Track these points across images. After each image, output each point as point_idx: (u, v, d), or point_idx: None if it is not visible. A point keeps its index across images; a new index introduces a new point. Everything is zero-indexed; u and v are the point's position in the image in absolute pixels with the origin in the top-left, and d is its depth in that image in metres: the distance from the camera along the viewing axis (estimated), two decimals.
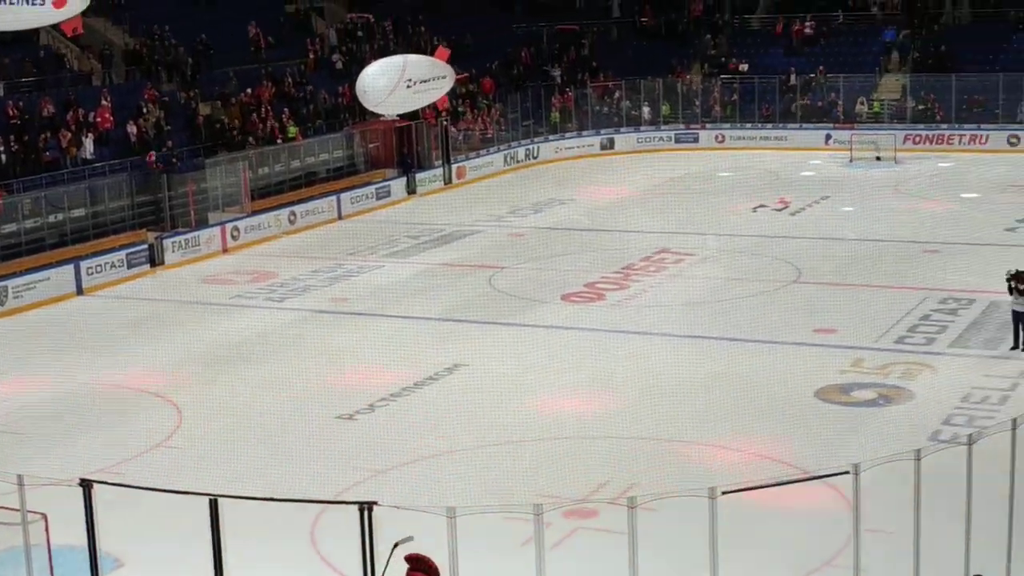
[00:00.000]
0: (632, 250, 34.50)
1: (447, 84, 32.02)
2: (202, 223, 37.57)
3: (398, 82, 29.33)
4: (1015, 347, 24.14)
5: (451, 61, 33.13)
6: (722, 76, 55.07)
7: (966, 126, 50.28)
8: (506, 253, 35.46)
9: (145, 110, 40.56)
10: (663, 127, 54.04)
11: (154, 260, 34.85)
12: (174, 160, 38.73)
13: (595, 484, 18.27)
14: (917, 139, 50.36)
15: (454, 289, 31.54)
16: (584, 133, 53.40)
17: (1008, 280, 24.24)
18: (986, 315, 26.55)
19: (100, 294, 32.55)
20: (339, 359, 25.80)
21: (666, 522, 13.85)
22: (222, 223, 37.51)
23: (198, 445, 20.99)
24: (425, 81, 30.46)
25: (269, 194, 40.82)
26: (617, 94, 54.87)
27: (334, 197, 41.72)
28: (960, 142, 49.97)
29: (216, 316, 29.95)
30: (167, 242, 35.40)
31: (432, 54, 34.53)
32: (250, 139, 42.02)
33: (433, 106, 41.41)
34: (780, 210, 39.83)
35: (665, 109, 54.27)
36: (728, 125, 53.71)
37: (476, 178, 47.98)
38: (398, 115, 36.85)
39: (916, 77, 52.49)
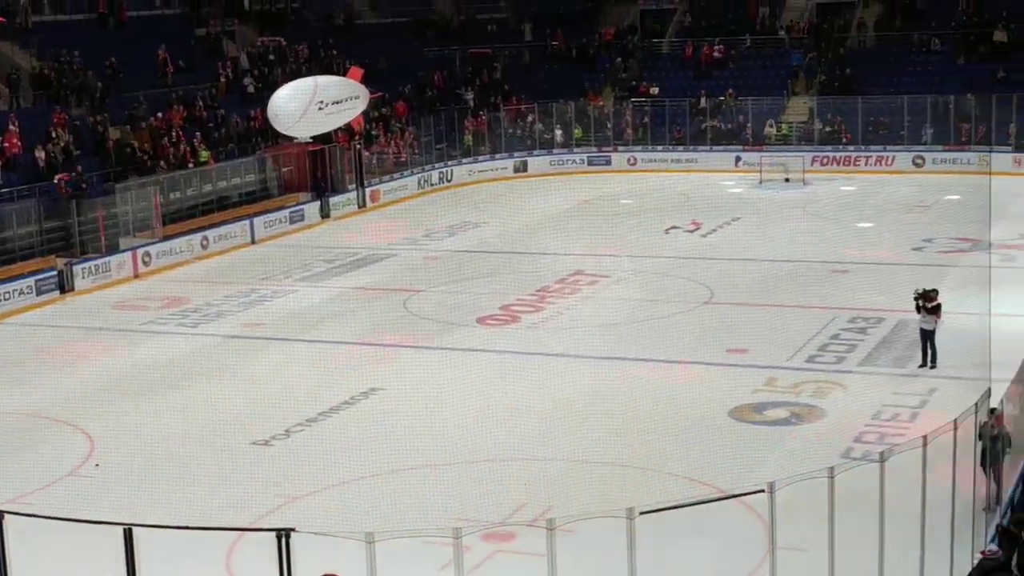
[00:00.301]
0: (547, 272, 34.66)
1: (361, 104, 31.82)
2: (113, 248, 37.14)
3: (309, 104, 29.06)
4: (923, 365, 24.58)
5: (364, 82, 33.01)
6: (633, 99, 55.56)
7: (872, 148, 51.16)
8: (421, 276, 35.44)
9: (54, 135, 40.05)
10: (576, 150, 54.39)
11: (64, 286, 34.38)
12: (83, 185, 38.24)
13: (514, 506, 18.29)
14: (825, 161, 51.12)
15: (369, 313, 31.47)
16: (497, 156, 53.57)
17: (916, 299, 24.68)
18: (895, 334, 27.00)
19: (9, 322, 32.04)
20: (254, 384, 25.61)
21: (585, 543, 13.90)
22: (133, 248, 37.11)
23: (111, 473, 20.71)
24: (337, 102, 30.21)
25: (181, 219, 40.47)
26: (530, 117, 55.15)
27: (247, 221, 41.46)
28: (867, 163, 50.81)
29: (128, 343, 29.60)
30: (77, 268, 34.95)
31: (345, 76, 34.26)
32: (161, 163, 41.63)
33: (348, 128, 41.26)
34: (692, 231, 40.23)
35: (577, 132, 54.64)
36: (640, 148, 54.17)
37: (390, 201, 47.94)
38: (311, 138, 36.58)
39: (823, 100, 53.34)
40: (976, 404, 15.46)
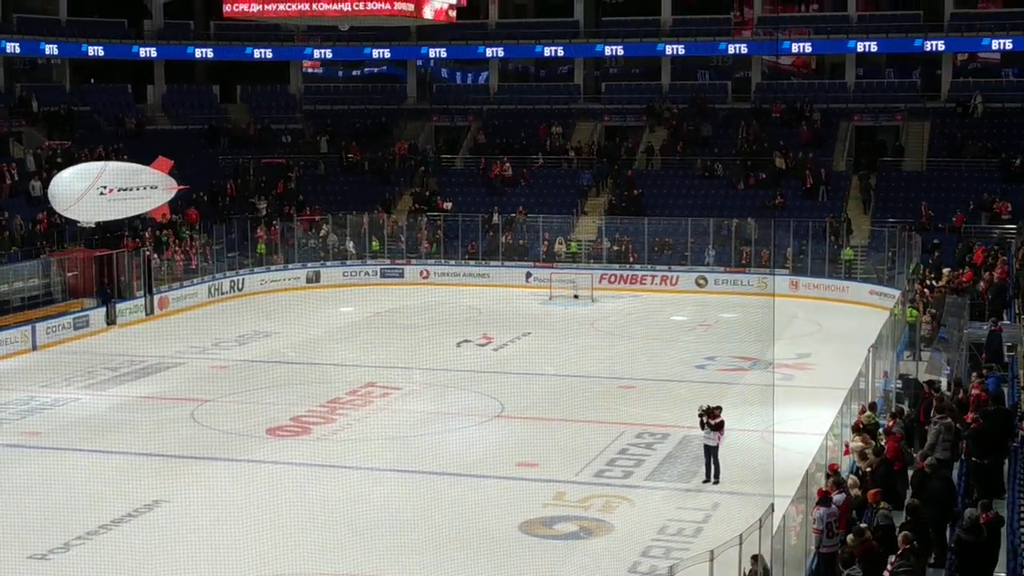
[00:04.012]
0: (338, 383, 34.49)
1: (162, 195, 30.99)
2: None
3: (90, 187, 28.26)
4: (707, 480, 25.22)
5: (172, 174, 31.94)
6: (428, 213, 56.14)
7: (658, 267, 52.62)
8: (210, 386, 34.84)
9: None
10: (369, 261, 54.52)
11: None
12: None
13: None
14: (613, 279, 52.35)
15: (155, 423, 30.74)
16: (290, 266, 53.31)
17: (700, 415, 25.37)
18: (680, 449, 27.64)
19: None
20: (31, 495, 24.70)
21: None
22: None
23: None
24: (126, 189, 29.36)
25: None
26: (324, 228, 55.14)
27: (28, 327, 40.19)
28: (652, 282, 52.20)
29: None
30: None
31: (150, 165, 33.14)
32: None
33: (146, 218, 39.75)
34: (483, 345, 40.62)
35: (375, 245, 54.82)
36: (433, 261, 54.62)
37: (179, 309, 47.12)
38: (95, 225, 34.94)
39: (611, 219, 54.75)
40: (760, 520, 15.96)
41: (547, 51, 63.73)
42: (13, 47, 57.26)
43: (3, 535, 22.21)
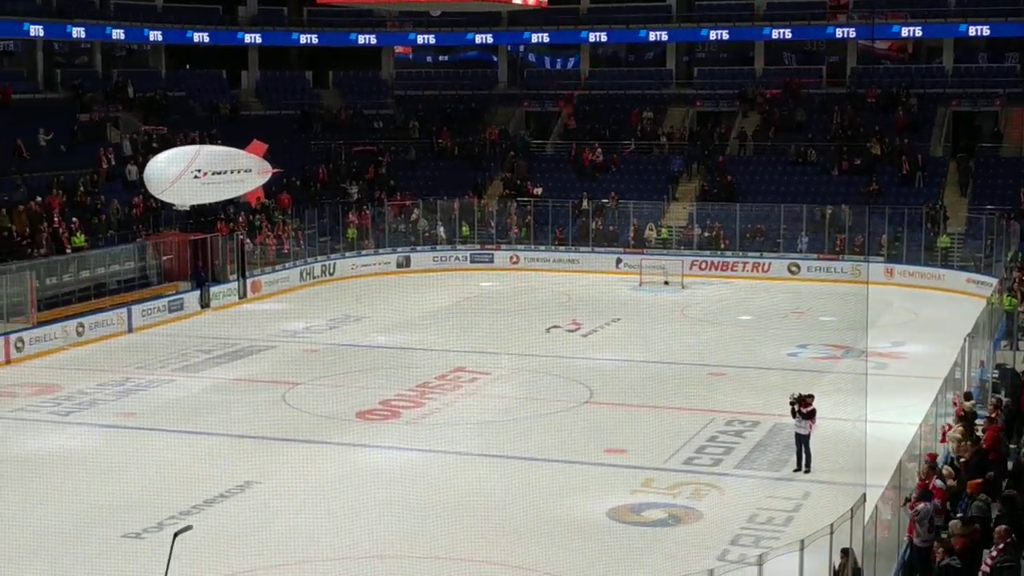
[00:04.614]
0: (428, 368, 34.59)
1: (256, 179, 31.02)
2: None
3: (184, 171, 28.40)
4: (798, 469, 24.94)
5: (267, 158, 31.99)
6: (518, 199, 56.12)
7: (749, 254, 52.16)
8: (301, 369, 35.17)
9: None
10: (459, 246, 54.65)
11: None
12: None
13: None
14: (703, 265, 51.98)
15: (247, 405, 31.08)
16: (380, 251, 53.60)
17: (791, 403, 25.10)
18: (770, 437, 27.38)
19: None
20: (126, 475, 25.08)
21: None
22: (6, 334, 36.28)
23: None
24: (219, 173, 29.40)
25: (56, 305, 39.69)
26: (414, 213, 55.36)
27: (125, 309, 40.83)
28: (744, 269, 51.77)
29: None
30: None
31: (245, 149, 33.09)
32: (39, 248, 40.93)
33: (240, 202, 39.99)
34: (573, 331, 40.53)
35: (465, 229, 54.93)
36: (523, 246, 54.60)
37: (271, 293, 47.62)
38: (190, 208, 35.07)
39: (702, 206, 54.36)
40: (851, 509, 15.72)
41: (651, 35, 63.25)
42: (118, 34, 58.19)
43: (98, 514, 22.61)
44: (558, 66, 70.41)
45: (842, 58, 62.89)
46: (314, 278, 50.35)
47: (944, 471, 19.29)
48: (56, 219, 42.60)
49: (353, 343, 38.83)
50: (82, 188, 45.87)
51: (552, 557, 20.31)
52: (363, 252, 53.27)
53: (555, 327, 40.99)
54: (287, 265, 49.75)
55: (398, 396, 31.55)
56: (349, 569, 19.88)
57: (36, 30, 54.03)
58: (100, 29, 57.32)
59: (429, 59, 72.77)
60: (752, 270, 51.69)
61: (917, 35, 60.85)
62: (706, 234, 53.27)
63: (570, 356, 36.62)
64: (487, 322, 41.94)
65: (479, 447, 27.19)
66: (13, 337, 36.25)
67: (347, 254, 52.62)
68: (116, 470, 25.49)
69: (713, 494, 23.75)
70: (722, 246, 52.74)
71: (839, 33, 60.91)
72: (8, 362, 35.63)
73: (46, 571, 19.83)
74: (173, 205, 34.74)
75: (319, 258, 51.23)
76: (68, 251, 41.95)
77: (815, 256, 51.12)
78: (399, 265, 53.44)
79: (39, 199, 43.36)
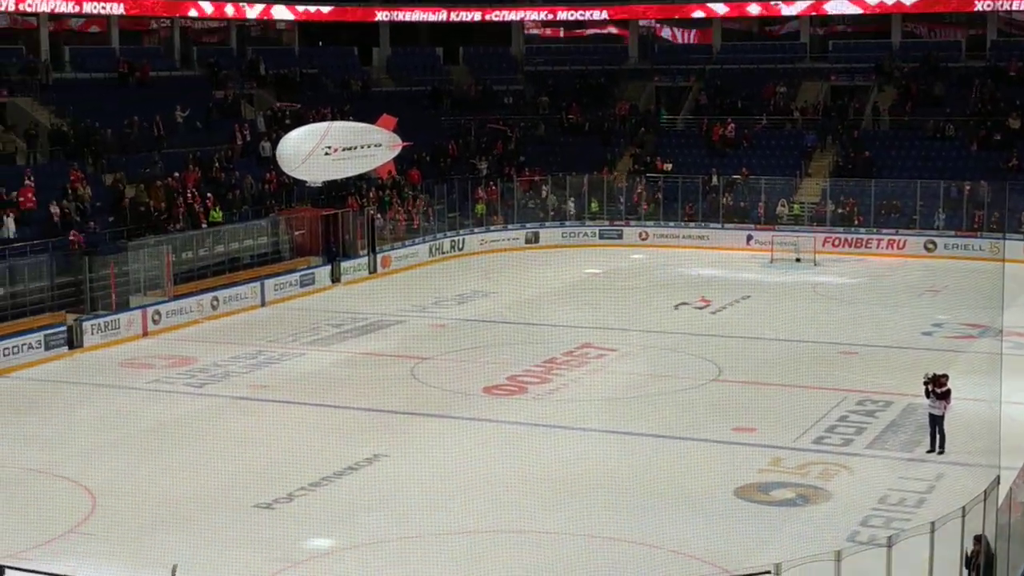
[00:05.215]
0: (555, 344, 34.59)
1: (387, 152, 31.11)
2: (123, 306, 37.14)
3: (315, 148, 28.60)
4: (931, 450, 24.43)
5: (397, 131, 32.10)
6: (647, 174, 55.76)
7: (884, 231, 51.17)
8: (429, 344, 35.41)
9: (69, 191, 40.26)
10: (588, 223, 54.51)
11: (72, 342, 34.36)
12: (95, 243, 38.31)
13: None
14: (836, 242, 51.17)
15: (376, 379, 31.37)
16: (509, 226, 53.71)
17: (925, 383, 24.60)
18: (903, 417, 26.87)
19: (16, 376, 32.01)
20: (258, 447, 25.52)
21: None
22: (143, 307, 37.15)
23: (112, 531, 20.62)
24: (350, 148, 29.54)
25: (192, 279, 40.50)
26: (543, 188, 55.34)
27: (258, 283, 41.51)
28: (878, 246, 50.84)
29: (134, 400, 29.55)
30: (87, 324, 34.95)
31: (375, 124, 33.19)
32: (175, 223, 41.78)
33: (371, 177, 40.14)
34: (701, 308, 40.20)
35: (594, 205, 54.78)
36: (651, 223, 54.26)
37: (401, 268, 48.01)
38: (322, 184, 35.36)
39: (836, 181, 53.48)
40: (985, 492, 15.35)
41: (783, 9, 62.24)
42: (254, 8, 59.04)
43: (231, 484, 23.03)
44: (691, 40, 69.73)
45: (982, 31, 61.28)
46: (443, 253, 50.66)
47: None
48: (191, 194, 43.40)
49: (481, 318, 38.98)
50: (217, 164, 46.67)
51: (677, 535, 20.20)
52: (492, 228, 53.43)
53: (684, 304, 40.68)
54: (416, 240, 50.11)
55: (525, 372, 31.60)
56: (474, 543, 19.97)
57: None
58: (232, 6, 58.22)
59: (562, 34, 72.58)
60: (887, 247, 50.75)
61: None
62: (840, 210, 52.40)
63: (698, 333, 36.33)
64: (615, 299, 41.82)
65: (605, 423, 27.13)
66: (150, 310, 37.08)
67: (476, 229, 52.83)
68: (248, 441, 25.95)
69: (843, 474, 23.38)
70: (856, 222, 51.84)
71: (978, 5, 59.32)
72: (145, 334, 36.45)
73: (181, 538, 20.24)
74: (306, 183, 35.12)
75: (448, 233, 51.52)
76: (203, 226, 42.72)
77: (952, 233, 50.01)
78: (528, 241, 53.50)
79: (176, 175, 44.22)
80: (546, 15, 66.29)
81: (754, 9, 62.99)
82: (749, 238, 52.18)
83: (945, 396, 24.36)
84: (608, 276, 46.78)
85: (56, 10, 50.82)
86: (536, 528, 20.62)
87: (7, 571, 12.85)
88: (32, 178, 39.84)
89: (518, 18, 66.55)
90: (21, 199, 38.76)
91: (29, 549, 19.39)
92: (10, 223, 37.55)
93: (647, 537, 20.14)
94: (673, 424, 26.81)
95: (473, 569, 18.71)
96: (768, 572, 12.89)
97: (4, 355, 32.22)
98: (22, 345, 32.92)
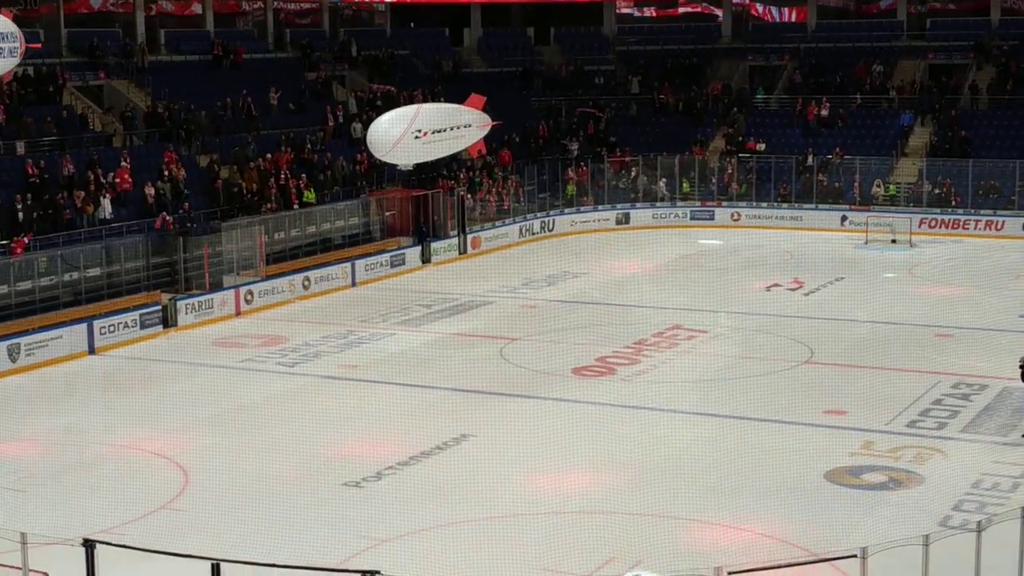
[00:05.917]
0: (644, 325, 34.46)
1: (477, 132, 31.23)
2: (216, 286, 37.63)
3: (405, 132, 28.75)
4: None
5: (486, 111, 32.18)
6: (739, 155, 55.25)
7: (982, 212, 50.29)
8: (518, 325, 35.43)
9: (165, 172, 40.80)
10: (679, 203, 54.16)
11: (167, 321, 34.88)
12: (189, 224, 38.83)
13: (601, 560, 18.12)
14: (933, 223, 50.33)
15: (465, 359, 31.48)
16: (600, 207, 53.52)
17: (1021, 366, 24.16)
18: (999, 401, 26.39)
19: (112, 354, 32.57)
20: (348, 426, 25.74)
21: None
22: (236, 287, 37.59)
23: (203, 508, 20.91)
24: (439, 131, 29.68)
25: (284, 259, 40.91)
26: (634, 170, 55.08)
27: (348, 264, 41.81)
28: (976, 227, 49.95)
29: (226, 379, 29.91)
30: (181, 304, 35.45)
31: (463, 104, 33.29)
32: (268, 204, 42.18)
33: (461, 158, 40.10)
34: (794, 290, 39.78)
35: (685, 186, 54.40)
36: (744, 204, 53.77)
37: (491, 249, 48.07)
38: (413, 167, 35.60)
39: (932, 161, 52.59)
40: None
41: None
42: None
43: (321, 463, 23.23)
44: (785, 18, 68.91)
45: None
46: (533, 234, 50.64)
47: None
48: (284, 175, 43.78)
49: (571, 299, 38.92)
50: (309, 145, 47.01)
51: (767, 517, 20.04)
52: (582, 208, 53.29)
53: (776, 285, 40.28)
54: (506, 221, 50.13)
55: (614, 353, 31.50)
56: (561, 523, 19.98)
57: None
58: None
59: (654, 13, 72.07)
60: (984, 228, 49.83)
61: None
62: (936, 191, 51.52)
63: (790, 315, 35.96)
64: (706, 280, 41.56)
65: (694, 406, 26.99)
66: (243, 290, 37.51)
67: (566, 210, 52.73)
68: (338, 420, 26.17)
69: (936, 458, 23.03)
70: (953, 203, 50.96)
71: None
72: (238, 314, 36.89)
73: (269, 514, 20.47)
74: (397, 166, 35.33)
75: (538, 214, 51.48)
76: (295, 207, 43.07)
77: None
78: (618, 222, 53.28)
79: (268, 156, 44.62)
80: None
81: None
82: (844, 219, 51.50)
83: None
84: (700, 256, 46.43)
85: None
86: (622, 510, 20.56)
87: (99, 546, 13.04)
88: (128, 160, 40.41)
89: None
90: (117, 180, 39.35)
91: (122, 524, 19.72)
92: (107, 204, 38.15)
93: (736, 520, 20.00)
94: (763, 407, 26.56)
95: (559, 549, 18.70)
96: (855, 556, 12.72)
97: (100, 334, 32.77)
98: (118, 324, 33.47)
